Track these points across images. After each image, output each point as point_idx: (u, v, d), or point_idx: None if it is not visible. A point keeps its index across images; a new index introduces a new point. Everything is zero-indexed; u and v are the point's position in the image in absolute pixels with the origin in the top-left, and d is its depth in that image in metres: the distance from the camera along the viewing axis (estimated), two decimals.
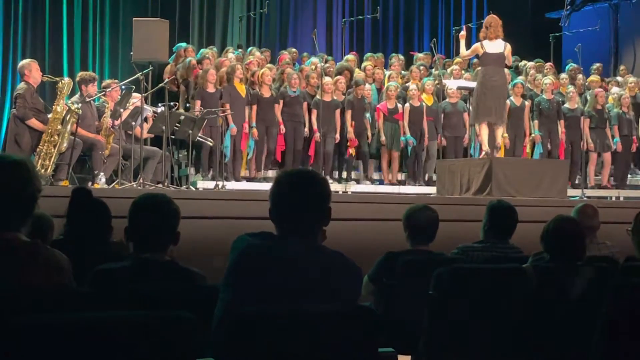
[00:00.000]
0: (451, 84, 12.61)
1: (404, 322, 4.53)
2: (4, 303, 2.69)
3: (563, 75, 13.84)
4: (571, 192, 11.47)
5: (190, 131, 9.94)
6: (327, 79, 11.93)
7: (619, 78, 14.50)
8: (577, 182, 12.36)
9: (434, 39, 14.79)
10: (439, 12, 18.72)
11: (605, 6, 18.19)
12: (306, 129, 11.76)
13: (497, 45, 10.57)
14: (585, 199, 10.84)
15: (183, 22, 15.58)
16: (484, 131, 10.86)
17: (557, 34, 16.11)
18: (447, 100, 12.52)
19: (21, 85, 9.39)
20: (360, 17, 16.82)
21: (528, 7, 18.98)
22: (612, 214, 7.57)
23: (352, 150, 12.12)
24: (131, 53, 10.31)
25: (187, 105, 11.57)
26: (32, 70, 9.38)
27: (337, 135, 11.88)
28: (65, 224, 4.16)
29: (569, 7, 16.85)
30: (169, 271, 3.43)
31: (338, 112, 11.90)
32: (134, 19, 10.49)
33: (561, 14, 16.82)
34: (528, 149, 12.65)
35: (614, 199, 12.63)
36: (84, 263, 3.41)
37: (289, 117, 11.64)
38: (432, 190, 11.69)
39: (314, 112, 11.71)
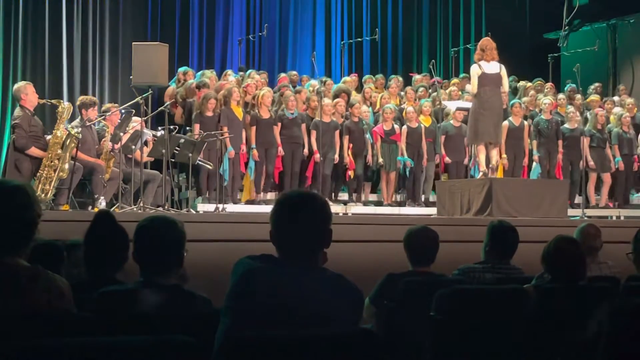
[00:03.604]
0: (450, 105, 12.64)
1: (405, 344, 4.51)
2: (5, 328, 2.69)
3: (561, 96, 13.87)
4: (571, 212, 11.46)
5: (190, 154, 9.96)
6: (326, 100, 11.97)
7: (615, 98, 14.51)
8: (576, 201, 12.35)
9: (433, 61, 14.84)
10: (438, 34, 18.79)
11: (604, 26, 18.26)
12: (305, 150, 11.78)
13: (493, 67, 10.65)
14: (585, 218, 10.82)
15: (182, 46, 15.66)
16: (482, 152, 10.88)
17: (556, 55, 16.18)
18: (450, 122, 12.54)
19: (17, 113, 9.32)
20: (359, 39, 16.89)
21: (526, 28, 19.05)
22: (613, 234, 7.55)
23: (351, 173, 12.14)
24: (131, 77, 10.34)
25: (188, 128, 11.59)
26: (28, 94, 9.36)
27: (336, 156, 11.91)
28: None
29: (567, 27, 16.92)
30: (172, 294, 3.42)
31: (337, 133, 11.94)
32: (133, 43, 10.52)
33: (559, 34, 16.89)
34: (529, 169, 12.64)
35: (614, 218, 12.62)
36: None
37: (287, 139, 11.66)
38: (432, 211, 11.69)
39: (314, 133, 11.74)
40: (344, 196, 12.40)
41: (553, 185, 11.46)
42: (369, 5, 18.06)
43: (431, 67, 14.27)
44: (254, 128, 11.45)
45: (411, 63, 18.21)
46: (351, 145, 12.08)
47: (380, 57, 18.12)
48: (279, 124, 11.64)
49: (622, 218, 12.59)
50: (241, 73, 13.69)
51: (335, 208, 11.20)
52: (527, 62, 17.15)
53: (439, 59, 18.11)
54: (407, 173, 12.38)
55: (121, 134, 9.84)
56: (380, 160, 12.16)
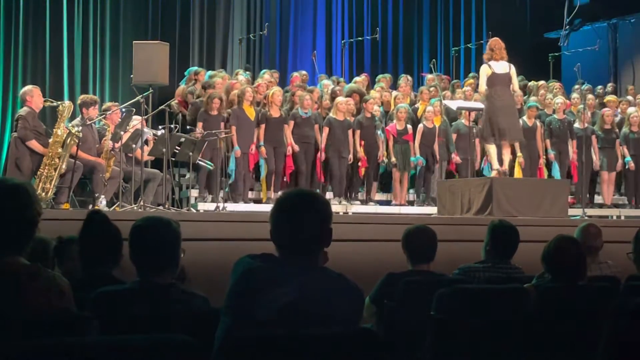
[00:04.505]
0: (451, 104, 12.62)
1: (405, 343, 4.51)
2: (5, 327, 2.68)
3: (575, 95, 13.85)
4: (572, 211, 11.46)
5: (191, 153, 9.95)
6: (340, 98, 11.98)
7: (629, 97, 14.48)
8: (596, 201, 12.36)
9: (434, 60, 14.84)
10: (438, 33, 18.79)
11: (604, 26, 18.27)
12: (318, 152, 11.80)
13: (502, 66, 10.65)
14: (586, 218, 10.82)
15: (183, 45, 15.64)
16: (492, 150, 10.87)
17: (556, 54, 16.20)
18: (462, 120, 12.55)
19: (23, 109, 9.41)
20: (360, 38, 16.89)
21: (527, 27, 19.05)
22: (613, 233, 7.55)
23: (363, 171, 12.14)
24: (131, 76, 10.34)
25: (188, 127, 11.60)
26: (34, 96, 9.40)
27: (351, 156, 11.91)
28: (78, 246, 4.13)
29: (567, 27, 16.92)
30: (170, 294, 3.42)
31: (351, 132, 11.94)
32: (134, 41, 10.52)
33: (560, 34, 16.89)
34: (544, 169, 12.64)
35: (615, 218, 12.61)
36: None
37: (300, 139, 11.67)
38: (433, 210, 11.68)
39: (326, 130, 11.74)
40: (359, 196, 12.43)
41: (554, 185, 11.45)
42: (370, 4, 18.06)
43: (432, 66, 14.27)
44: (263, 126, 11.47)
45: (412, 62, 18.21)
46: (363, 142, 12.07)
47: (381, 56, 18.11)
48: (291, 123, 11.65)
49: (622, 218, 12.59)
50: (249, 73, 13.75)
51: (335, 207, 11.20)
52: (527, 61, 17.10)
53: (439, 58, 18.10)
54: (417, 172, 12.38)
55: (122, 132, 9.85)
56: (393, 159, 12.15)
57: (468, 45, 17.84)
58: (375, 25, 17.08)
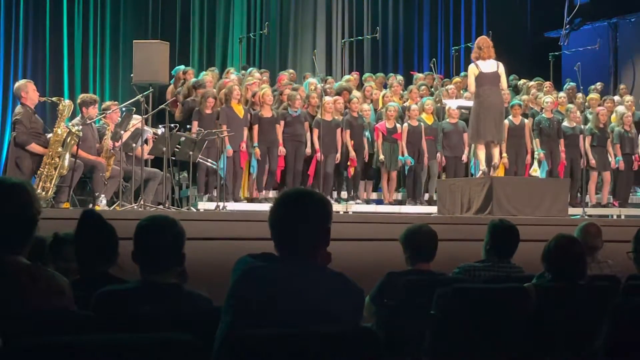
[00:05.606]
0: (451, 103, 12.62)
1: (406, 342, 4.51)
2: (5, 326, 2.68)
3: (562, 94, 13.85)
4: (572, 210, 11.45)
5: (191, 152, 9.96)
6: (327, 99, 11.97)
7: (616, 97, 14.48)
8: (578, 200, 12.35)
9: (434, 59, 14.83)
10: (438, 32, 18.77)
11: (605, 25, 18.27)
12: (308, 150, 11.79)
13: (490, 65, 10.63)
14: (586, 217, 10.82)
15: (183, 44, 15.64)
16: (481, 150, 10.88)
17: (557, 53, 16.18)
18: (447, 120, 12.55)
19: (18, 110, 9.36)
20: (360, 37, 16.87)
21: (527, 26, 19.05)
22: (613, 233, 7.55)
23: (352, 170, 12.14)
24: (131, 75, 10.34)
25: (188, 126, 11.59)
26: (28, 92, 9.37)
27: (338, 155, 11.91)
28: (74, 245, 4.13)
29: (568, 26, 16.92)
30: (173, 293, 3.42)
31: (339, 131, 11.93)
32: (134, 41, 10.52)
33: (560, 33, 16.88)
34: (534, 166, 12.62)
35: (615, 217, 12.61)
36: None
37: (290, 137, 11.67)
38: (433, 209, 11.68)
39: (315, 131, 11.74)
40: (345, 194, 12.41)
41: (554, 184, 11.44)
42: (370, 3, 18.04)
43: (432, 65, 14.27)
44: (256, 127, 11.46)
45: (412, 62, 18.19)
46: (352, 142, 12.07)
47: (381, 55, 18.10)
48: (282, 122, 11.64)
49: (622, 217, 12.58)
50: (243, 72, 13.71)
51: (335, 207, 11.20)
52: (528, 60, 17.14)
53: (440, 57, 18.08)
54: (407, 171, 12.39)
55: (122, 132, 9.85)
56: (381, 157, 12.15)
57: (468, 44, 17.76)
58: (375, 24, 17.07)
